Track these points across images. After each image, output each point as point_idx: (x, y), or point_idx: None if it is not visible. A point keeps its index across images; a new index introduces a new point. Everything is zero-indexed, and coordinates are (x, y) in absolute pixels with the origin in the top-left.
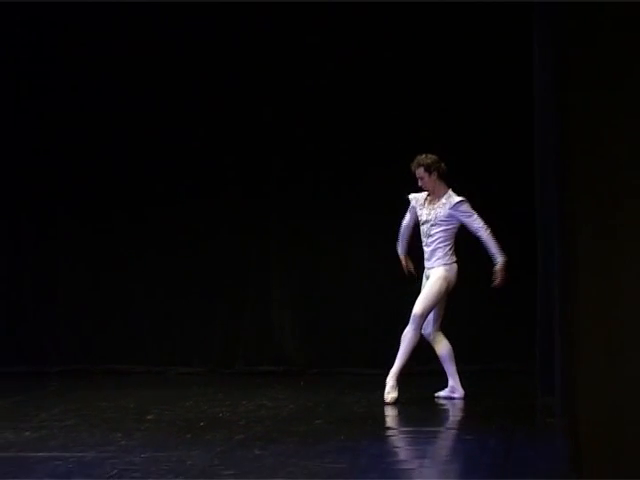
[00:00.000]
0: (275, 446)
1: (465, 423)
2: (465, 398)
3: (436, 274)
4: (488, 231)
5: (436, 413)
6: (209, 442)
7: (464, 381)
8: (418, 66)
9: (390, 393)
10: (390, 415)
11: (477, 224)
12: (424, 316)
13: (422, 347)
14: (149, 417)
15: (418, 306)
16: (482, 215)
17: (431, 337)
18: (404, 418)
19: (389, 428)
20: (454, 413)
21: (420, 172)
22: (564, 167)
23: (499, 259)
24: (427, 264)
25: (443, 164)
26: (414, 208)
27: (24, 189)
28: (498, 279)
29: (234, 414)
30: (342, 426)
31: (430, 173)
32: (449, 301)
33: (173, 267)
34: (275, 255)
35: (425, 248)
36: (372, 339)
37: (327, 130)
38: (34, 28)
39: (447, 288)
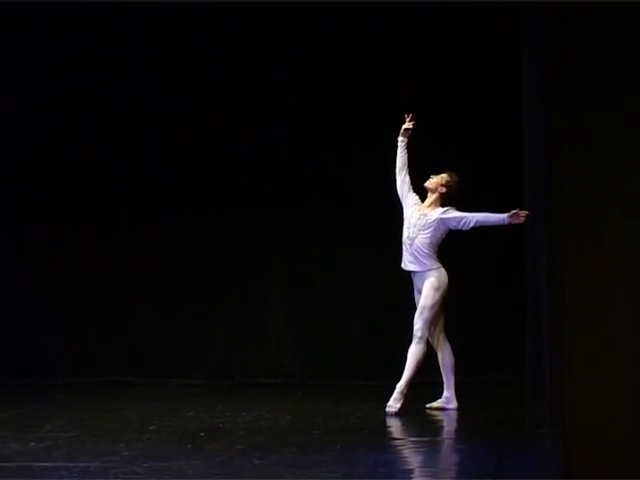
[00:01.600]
0: (273, 456)
1: (457, 433)
2: (457, 409)
3: (427, 286)
4: (479, 213)
5: (429, 424)
6: (209, 452)
7: (456, 392)
8: (411, 77)
9: (391, 406)
10: (385, 426)
11: (467, 216)
12: (424, 330)
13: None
14: (151, 428)
15: (416, 322)
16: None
17: (437, 346)
18: (398, 429)
19: (384, 438)
20: (446, 424)
21: (443, 175)
22: (551, 177)
23: (503, 215)
24: (412, 267)
25: (456, 196)
26: (409, 199)
27: (29, 204)
28: (520, 215)
29: (234, 425)
30: (338, 436)
31: (444, 185)
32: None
33: (174, 281)
34: (273, 269)
35: (409, 249)
36: (368, 352)
37: (326, 145)
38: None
39: (442, 296)
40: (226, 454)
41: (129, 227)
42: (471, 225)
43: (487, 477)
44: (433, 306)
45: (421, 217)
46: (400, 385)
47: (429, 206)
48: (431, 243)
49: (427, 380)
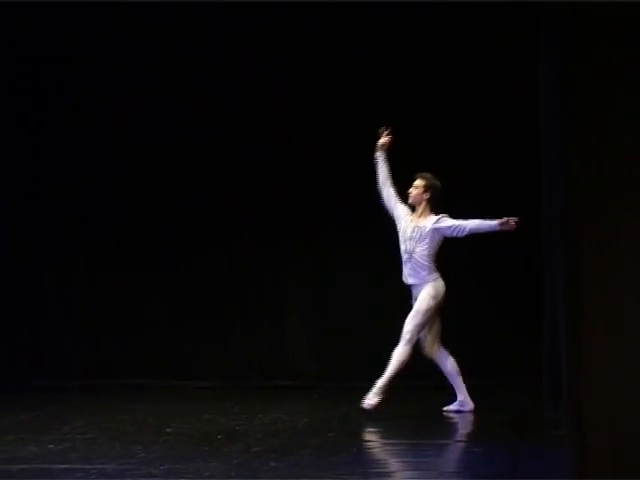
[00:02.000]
0: (290, 458)
1: (472, 436)
2: (473, 412)
3: (424, 293)
4: (472, 221)
5: (445, 426)
6: (226, 454)
7: (472, 395)
8: (420, 78)
9: (368, 399)
10: (400, 428)
11: (461, 224)
12: (413, 333)
13: (431, 362)
14: (168, 430)
15: (408, 324)
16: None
17: (434, 355)
18: (414, 431)
19: (400, 441)
20: (462, 426)
21: (418, 182)
22: (567, 178)
23: (495, 221)
24: (411, 280)
25: (439, 192)
26: (398, 211)
27: (44, 206)
28: (510, 222)
29: (250, 427)
30: (355, 439)
31: (425, 191)
32: (451, 316)
33: (190, 283)
34: (290, 270)
35: (408, 264)
36: (384, 354)
37: (340, 142)
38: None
39: (437, 305)
40: (243, 456)
41: (144, 228)
42: (465, 232)
43: (503, 479)
44: (427, 312)
45: (415, 229)
46: (380, 382)
47: (420, 216)
48: (429, 254)
49: (444, 383)
